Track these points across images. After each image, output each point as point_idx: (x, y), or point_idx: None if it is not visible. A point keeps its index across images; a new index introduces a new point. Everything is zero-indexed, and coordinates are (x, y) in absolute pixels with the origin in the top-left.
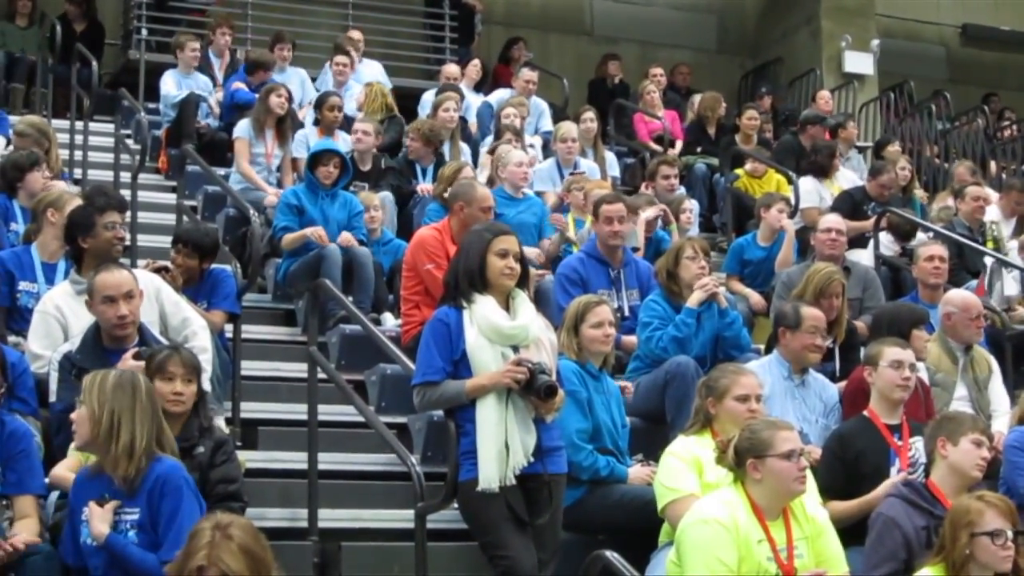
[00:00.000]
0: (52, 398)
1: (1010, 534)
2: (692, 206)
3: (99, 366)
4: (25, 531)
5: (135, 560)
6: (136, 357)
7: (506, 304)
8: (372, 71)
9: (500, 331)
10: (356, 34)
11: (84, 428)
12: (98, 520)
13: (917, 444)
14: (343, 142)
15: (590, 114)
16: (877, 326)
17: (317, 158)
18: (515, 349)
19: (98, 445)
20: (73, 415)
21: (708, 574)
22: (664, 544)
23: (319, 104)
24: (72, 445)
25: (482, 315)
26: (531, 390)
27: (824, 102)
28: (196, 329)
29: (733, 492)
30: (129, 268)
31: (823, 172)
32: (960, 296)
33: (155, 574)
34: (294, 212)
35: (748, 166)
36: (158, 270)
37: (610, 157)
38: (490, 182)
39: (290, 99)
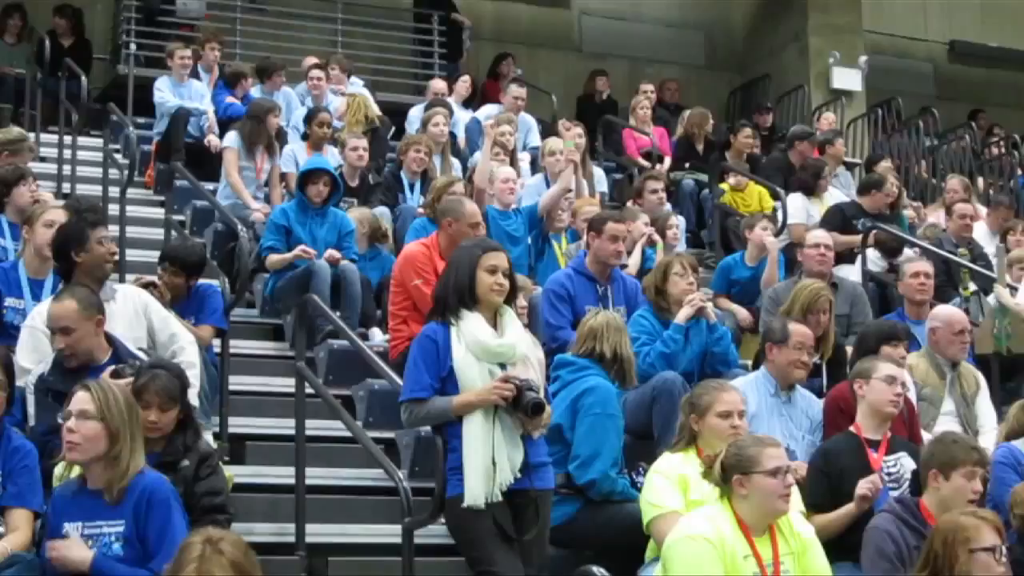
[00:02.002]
0: (31, 422)
1: (1004, 549)
2: (679, 222)
3: (72, 386)
4: (13, 543)
5: None
6: (113, 375)
7: (494, 321)
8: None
9: (487, 349)
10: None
11: (97, 444)
12: (75, 549)
13: (902, 460)
14: (331, 156)
15: (578, 130)
16: (856, 343)
17: (307, 177)
18: (502, 366)
19: (104, 461)
20: (72, 425)
21: None
22: (651, 560)
23: (309, 119)
24: (68, 458)
25: (469, 332)
26: (518, 407)
27: (828, 124)
28: (184, 344)
29: (719, 508)
30: (86, 295)
31: (810, 190)
32: (945, 312)
33: None
34: (281, 232)
35: (731, 180)
36: (145, 286)
37: (598, 173)
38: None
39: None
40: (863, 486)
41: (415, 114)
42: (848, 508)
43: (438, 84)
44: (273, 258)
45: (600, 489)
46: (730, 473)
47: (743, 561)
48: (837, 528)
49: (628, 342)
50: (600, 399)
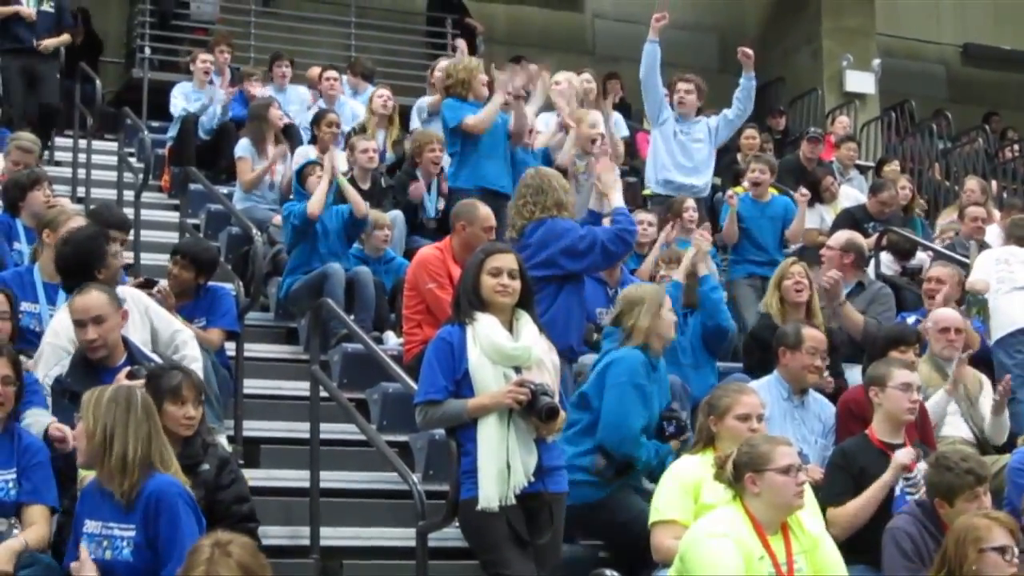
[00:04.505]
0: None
1: (1016, 550)
2: (694, 204)
3: (89, 387)
4: (32, 539)
5: None
6: (129, 376)
7: (510, 325)
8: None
9: (502, 351)
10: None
11: (82, 444)
12: (87, 570)
13: (919, 464)
14: (340, 159)
15: (587, 75)
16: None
17: (304, 172)
18: (517, 370)
19: (94, 461)
20: (73, 432)
21: None
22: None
23: (316, 121)
24: (78, 463)
25: (484, 335)
26: (532, 411)
27: (842, 127)
28: (185, 339)
29: (732, 509)
30: (110, 289)
31: (816, 198)
32: (938, 312)
33: None
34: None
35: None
36: (141, 285)
37: (617, 117)
38: None
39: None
40: (904, 454)
41: (422, 104)
42: (881, 481)
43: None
44: (313, 200)
45: (624, 450)
46: (742, 471)
47: (758, 562)
48: (871, 508)
49: (660, 314)
50: (625, 368)
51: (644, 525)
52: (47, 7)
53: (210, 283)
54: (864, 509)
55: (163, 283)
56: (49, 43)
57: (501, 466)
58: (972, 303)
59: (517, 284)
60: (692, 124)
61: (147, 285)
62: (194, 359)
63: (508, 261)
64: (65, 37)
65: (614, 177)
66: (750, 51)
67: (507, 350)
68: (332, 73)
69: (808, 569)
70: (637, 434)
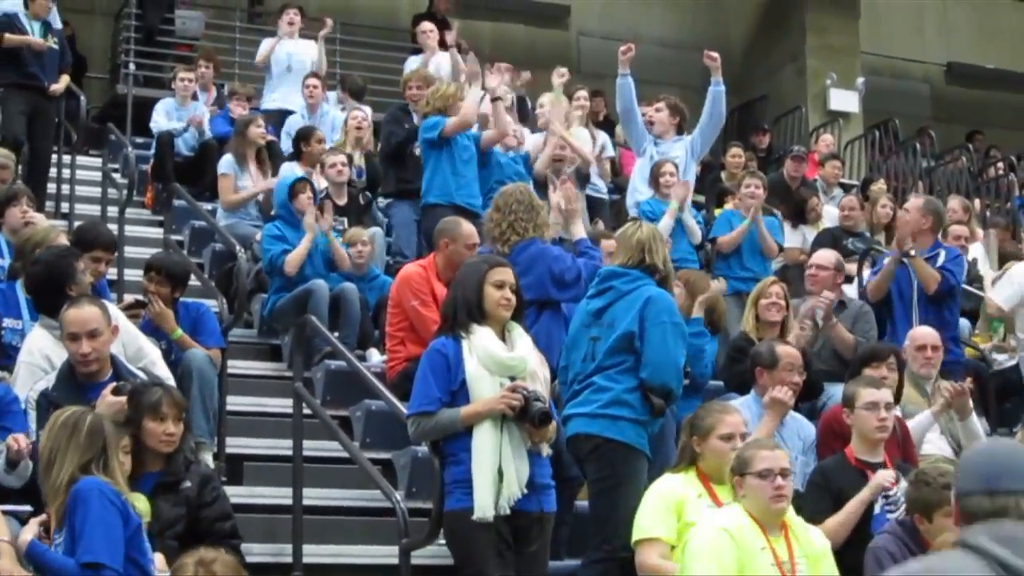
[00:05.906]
0: (32, 437)
1: None
2: (671, 169)
3: (74, 402)
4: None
5: (55, 565)
6: (114, 392)
7: (502, 336)
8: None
9: (499, 361)
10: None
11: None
12: (25, 531)
13: (899, 484)
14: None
15: (583, 92)
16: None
17: (294, 188)
18: (512, 380)
19: (40, 478)
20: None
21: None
22: None
23: (305, 137)
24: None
25: (481, 346)
26: (526, 417)
27: (826, 145)
28: (154, 359)
29: (737, 507)
30: (101, 302)
31: (800, 219)
32: (915, 330)
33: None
34: (282, 241)
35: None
36: (133, 306)
37: (603, 137)
38: None
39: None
40: (884, 475)
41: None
42: (858, 499)
43: (426, 25)
44: (291, 258)
45: (670, 386)
46: (732, 475)
47: (760, 552)
48: (850, 526)
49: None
50: (666, 307)
51: (619, 505)
52: (52, 43)
53: (185, 299)
54: (843, 526)
55: (159, 303)
56: (57, 88)
57: (495, 473)
58: (993, 324)
59: (515, 299)
60: (671, 144)
61: (138, 306)
62: (166, 379)
63: (509, 275)
64: (66, 78)
65: (576, 207)
66: (715, 54)
67: (504, 360)
68: (313, 81)
69: (809, 571)
70: (681, 369)
